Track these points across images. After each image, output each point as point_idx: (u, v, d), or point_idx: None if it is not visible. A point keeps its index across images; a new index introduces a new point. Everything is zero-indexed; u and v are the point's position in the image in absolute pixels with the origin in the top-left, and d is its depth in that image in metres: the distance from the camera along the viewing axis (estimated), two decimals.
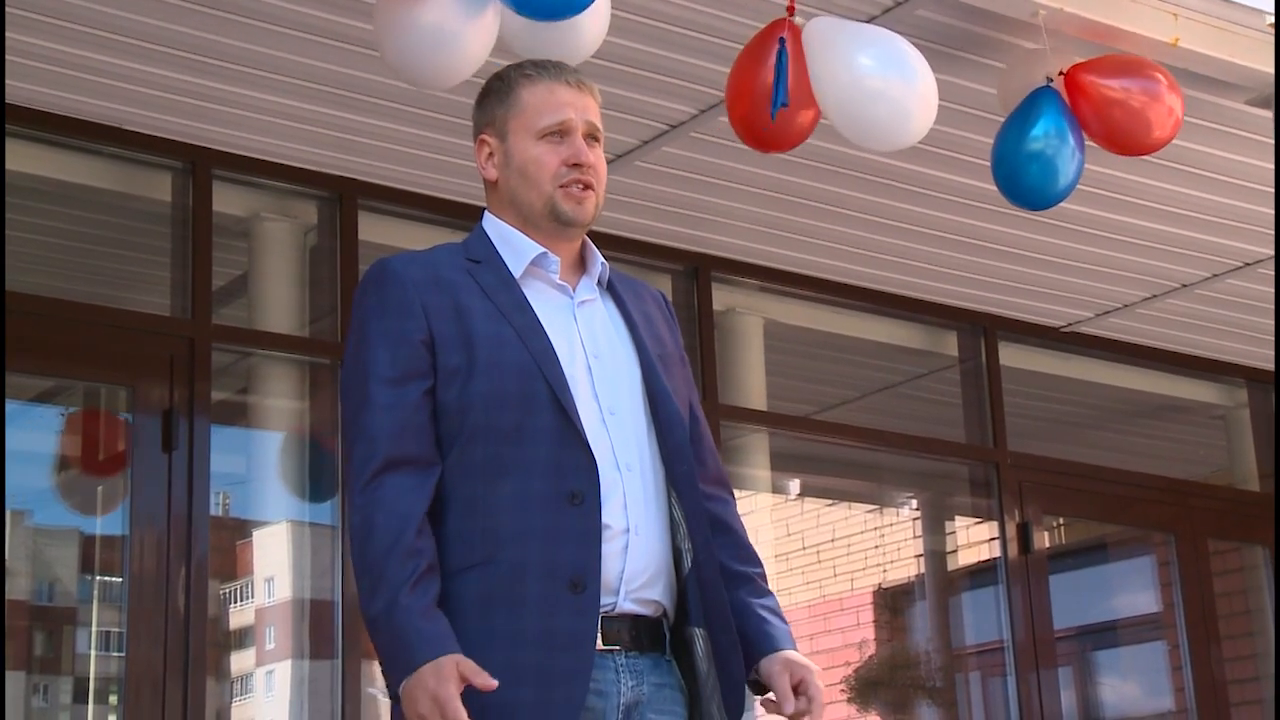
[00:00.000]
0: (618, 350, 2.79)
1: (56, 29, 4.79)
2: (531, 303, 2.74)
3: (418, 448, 2.62)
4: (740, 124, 4.70)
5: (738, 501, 2.94)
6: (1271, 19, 4.99)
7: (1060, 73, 4.82)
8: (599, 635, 2.60)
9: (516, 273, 2.76)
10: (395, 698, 2.53)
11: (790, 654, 2.73)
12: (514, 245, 2.79)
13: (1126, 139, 4.83)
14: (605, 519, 2.62)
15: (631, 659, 2.64)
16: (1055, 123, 4.76)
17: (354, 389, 2.67)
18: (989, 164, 4.80)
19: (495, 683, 2.46)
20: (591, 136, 2.81)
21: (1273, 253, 6.60)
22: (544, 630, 2.54)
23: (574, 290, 2.81)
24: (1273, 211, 6.15)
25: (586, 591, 2.57)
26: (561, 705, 2.53)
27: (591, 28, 4.25)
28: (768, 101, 4.45)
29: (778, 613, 2.80)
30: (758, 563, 2.84)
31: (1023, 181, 4.85)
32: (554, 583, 2.56)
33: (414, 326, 2.66)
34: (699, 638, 2.69)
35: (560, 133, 2.78)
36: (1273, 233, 6.35)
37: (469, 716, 2.46)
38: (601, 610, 2.61)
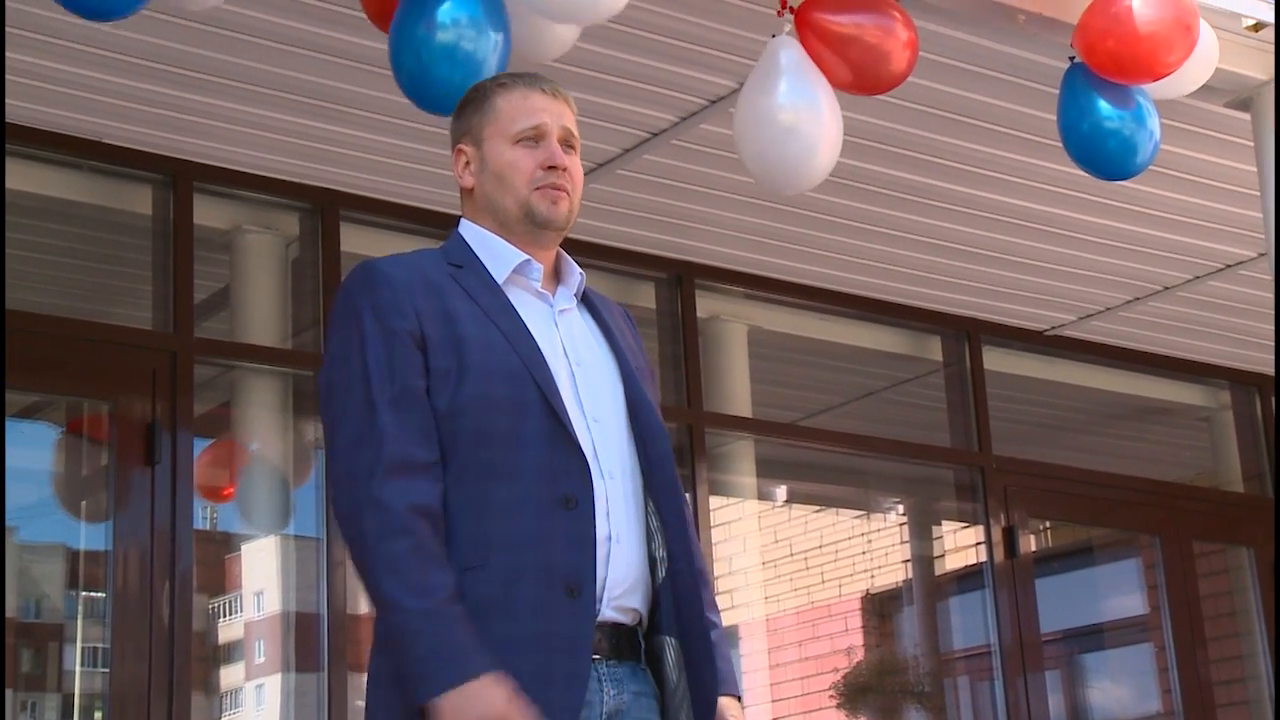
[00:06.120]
0: (599, 359, 2.79)
1: (36, 44, 4.78)
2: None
3: (424, 451, 2.59)
4: None
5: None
6: (1250, 21, 5.00)
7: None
8: None
9: (499, 279, 2.76)
10: (417, 702, 2.47)
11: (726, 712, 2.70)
12: (495, 251, 2.78)
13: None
14: None
15: (612, 667, 2.63)
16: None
17: (350, 389, 2.62)
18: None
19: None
20: (567, 143, 2.82)
21: (1254, 254, 6.62)
22: (540, 634, 2.53)
23: (553, 299, 2.81)
24: (1259, 214, 6.15)
25: (582, 596, 2.56)
26: (560, 707, 2.51)
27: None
28: None
29: (721, 650, 2.75)
30: (704, 581, 2.79)
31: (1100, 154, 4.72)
32: (550, 587, 2.55)
33: (408, 327, 2.64)
34: (670, 647, 2.69)
35: (535, 137, 2.79)
36: (1256, 234, 6.35)
37: None
38: None
